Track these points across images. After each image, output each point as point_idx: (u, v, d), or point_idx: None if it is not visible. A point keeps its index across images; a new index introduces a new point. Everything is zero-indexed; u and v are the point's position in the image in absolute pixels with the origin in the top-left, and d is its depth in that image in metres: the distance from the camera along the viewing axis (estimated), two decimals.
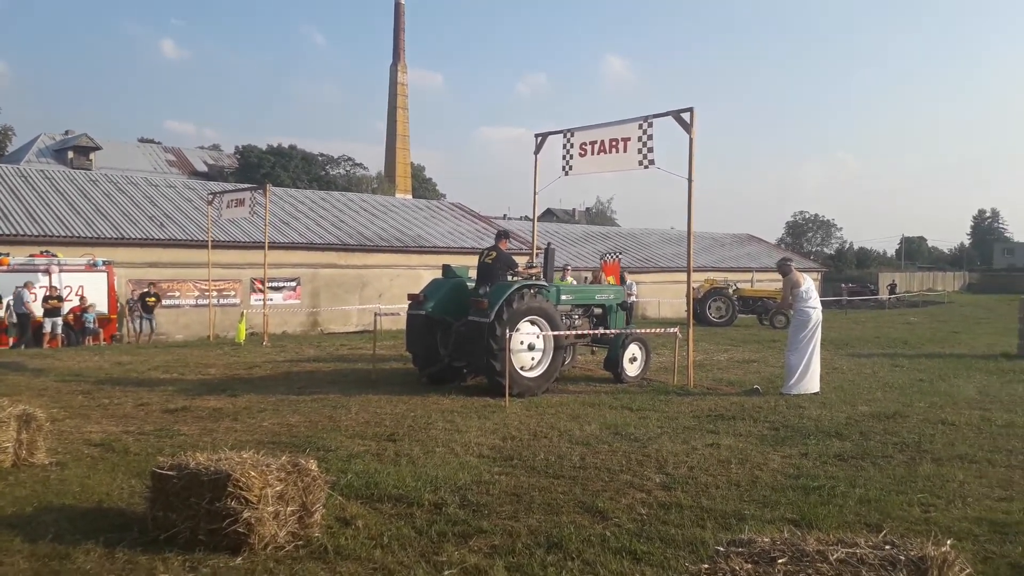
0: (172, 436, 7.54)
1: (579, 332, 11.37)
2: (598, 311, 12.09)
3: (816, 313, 10.53)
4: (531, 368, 10.30)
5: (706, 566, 3.24)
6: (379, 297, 24.49)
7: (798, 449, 7.13)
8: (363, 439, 7.43)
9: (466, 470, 6.23)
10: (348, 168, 66.81)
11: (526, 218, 49.08)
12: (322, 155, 65.58)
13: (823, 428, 8.02)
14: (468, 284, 10.94)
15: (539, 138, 13.39)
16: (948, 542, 3.20)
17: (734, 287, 26.32)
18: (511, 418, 8.50)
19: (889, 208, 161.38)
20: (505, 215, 63.03)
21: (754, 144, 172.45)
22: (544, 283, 10.79)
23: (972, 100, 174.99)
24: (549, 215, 79.08)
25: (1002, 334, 19.79)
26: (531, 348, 10.26)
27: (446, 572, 4.17)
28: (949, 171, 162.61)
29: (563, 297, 11.34)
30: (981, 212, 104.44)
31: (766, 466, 6.51)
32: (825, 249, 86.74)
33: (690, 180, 11.09)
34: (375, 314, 13.31)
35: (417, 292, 11.11)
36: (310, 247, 24.93)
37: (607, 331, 11.57)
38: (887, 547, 3.28)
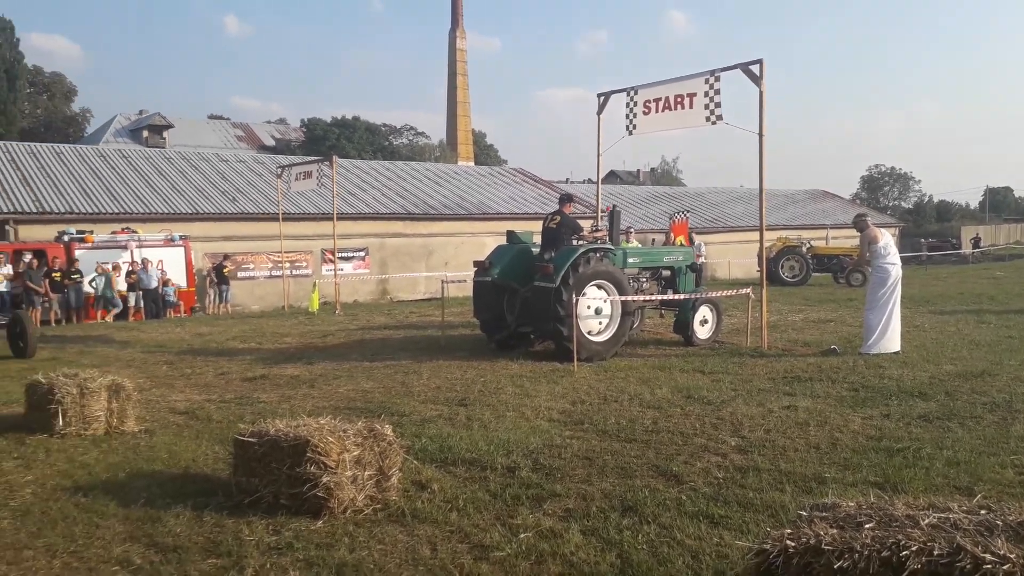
0: (252, 404, 7.78)
1: (647, 296, 11.20)
2: (667, 273, 11.92)
3: (896, 269, 10.12)
4: (599, 333, 10.24)
5: (789, 531, 3.15)
6: (445, 265, 24.68)
7: (879, 410, 6.90)
8: (435, 404, 7.52)
9: (537, 434, 6.24)
10: (411, 137, 67.21)
11: (589, 181, 48.54)
12: (385, 125, 66.12)
13: (905, 388, 7.73)
14: (533, 250, 10.89)
15: (601, 98, 13.12)
16: None
17: (808, 245, 25.54)
18: (580, 382, 8.47)
19: (972, 158, 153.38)
20: (568, 179, 62.43)
21: (826, 95, 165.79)
22: (610, 246, 10.69)
23: None
24: (612, 177, 78.02)
25: None
26: (598, 312, 10.17)
27: (522, 535, 4.19)
28: None
29: (630, 260, 11.21)
30: None
31: (846, 428, 6.32)
32: (903, 203, 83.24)
33: (761, 135, 10.72)
34: (442, 281, 13.41)
35: (482, 259, 11.11)
36: (377, 217, 25.25)
37: (675, 295, 11.36)
38: (982, 512, 3.13)
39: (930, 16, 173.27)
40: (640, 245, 16.33)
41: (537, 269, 10.04)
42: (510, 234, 11.56)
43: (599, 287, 10.17)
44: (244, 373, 9.61)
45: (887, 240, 10.38)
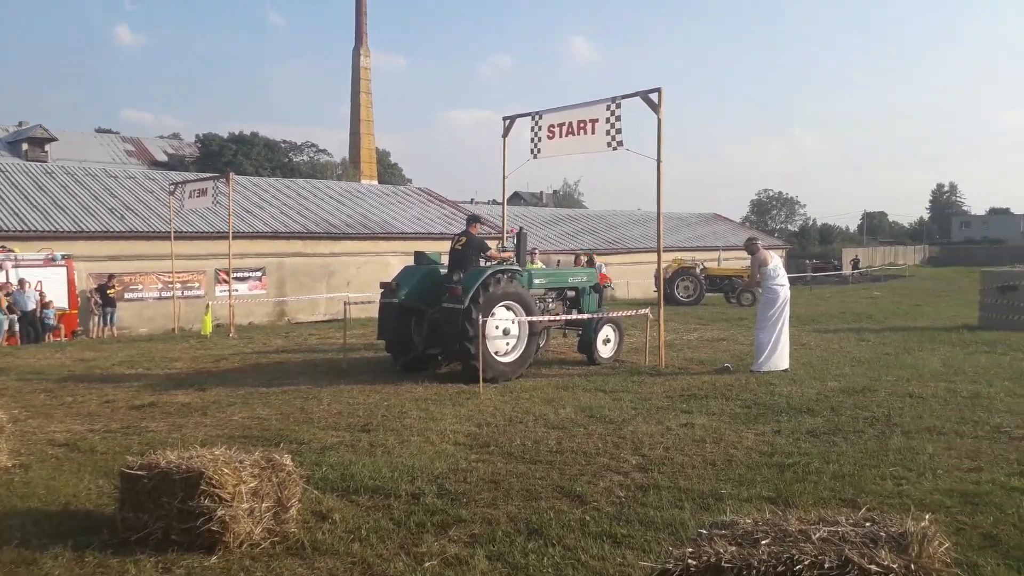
0: (140, 433, 7.37)
1: (553, 316, 11.35)
2: (571, 294, 12.10)
3: (784, 291, 10.64)
4: (506, 353, 10.28)
5: (690, 549, 3.23)
6: (347, 285, 24.23)
7: (771, 426, 7.20)
8: (336, 430, 7.33)
9: (442, 458, 6.18)
10: (312, 155, 65.94)
11: (494, 202, 48.90)
12: (285, 142, 64.64)
13: (794, 405, 8.10)
14: (441, 271, 10.83)
15: (507, 121, 13.28)
16: (927, 517, 3.23)
17: (701, 266, 26.52)
18: (486, 404, 8.46)
19: (851, 185, 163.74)
20: (473, 199, 62.62)
21: (719, 123, 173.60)
22: (518, 267, 10.76)
23: (928, 79, 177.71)
24: (516, 198, 78.86)
25: (963, 306, 20.24)
26: (506, 333, 10.24)
27: (427, 563, 4.13)
28: (908, 146, 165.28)
29: (536, 281, 11.31)
30: (939, 187, 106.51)
31: (740, 444, 6.55)
32: (789, 226, 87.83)
33: (659, 161, 11.08)
34: (344, 303, 13.14)
35: (389, 280, 10.96)
36: (275, 236, 24.56)
37: (580, 315, 11.56)
38: (868, 524, 3.30)
39: (811, 53, 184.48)
40: (544, 266, 16.52)
41: (446, 290, 9.99)
42: (418, 255, 11.47)
43: (507, 308, 10.21)
44: (131, 401, 9.10)
45: (776, 263, 10.88)
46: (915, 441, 6.49)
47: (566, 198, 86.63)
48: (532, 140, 12.35)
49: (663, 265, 12.72)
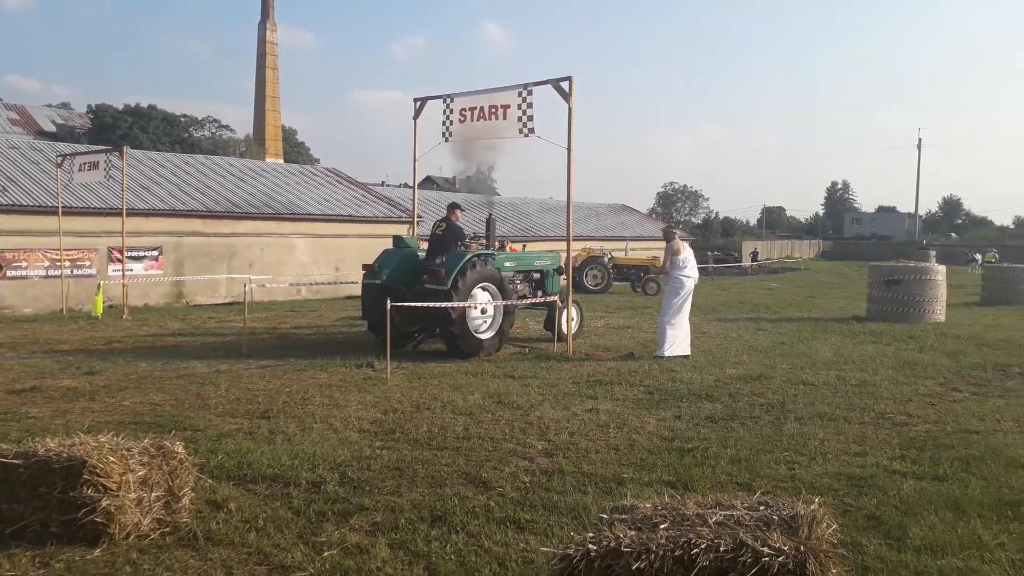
0: (19, 420, 6.90)
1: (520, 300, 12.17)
2: (537, 276, 12.91)
3: (690, 282, 10.93)
4: (484, 330, 11.06)
5: (591, 535, 3.25)
6: (249, 267, 23.40)
7: (672, 412, 7.38)
8: (234, 417, 7.07)
9: (346, 446, 6.04)
10: (214, 130, 63.33)
11: (406, 185, 48.26)
12: (185, 116, 61.72)
13: (695, 391, 8.34)
14: (419, 254, 11.49)
15: (418, 103, 13.08)
16: (816, 500, 3.34)
17: (609, 256, 26.97)
18: (393, 391, 8.33)
19: (752, 180, 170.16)
20: (384, 182, 61.61)
21: (629, 115, 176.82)
22: (492, 252, 11.55)
23: (817, 81, 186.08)
24: (429, 182, 78.10)
25: (853, 298, 21.33)
26: (483, 312, 11.09)
27: (326, 553, 4.02)
28: (808, 144, 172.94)
29: (506, 264, 12.10)
30: (834, 184, 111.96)
31: (643, 429, 6.69)
32: (693, 219, 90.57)
33: (569, 149, 11.16)
34: (244, 284, 12.68)
35: (371, 262, 11.43)
36: (173, 214, 23.44)
37: (543, 299, 12.29)
38: (761, 507, 3.40)
39: (723, 49, 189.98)
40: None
41: (429, 273, 10.66)
42: (396, 239, 12.04)
43: (484, 289, 11.01)
44: (11, 385, 8.52)
45: (688, 254, 11.11)
46: (807, 427, 6.78)
47: (479, 184, 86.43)
48: (444, 123, 12.21)
49: (572, 254, 12.86)
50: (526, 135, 11.25)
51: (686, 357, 10.52)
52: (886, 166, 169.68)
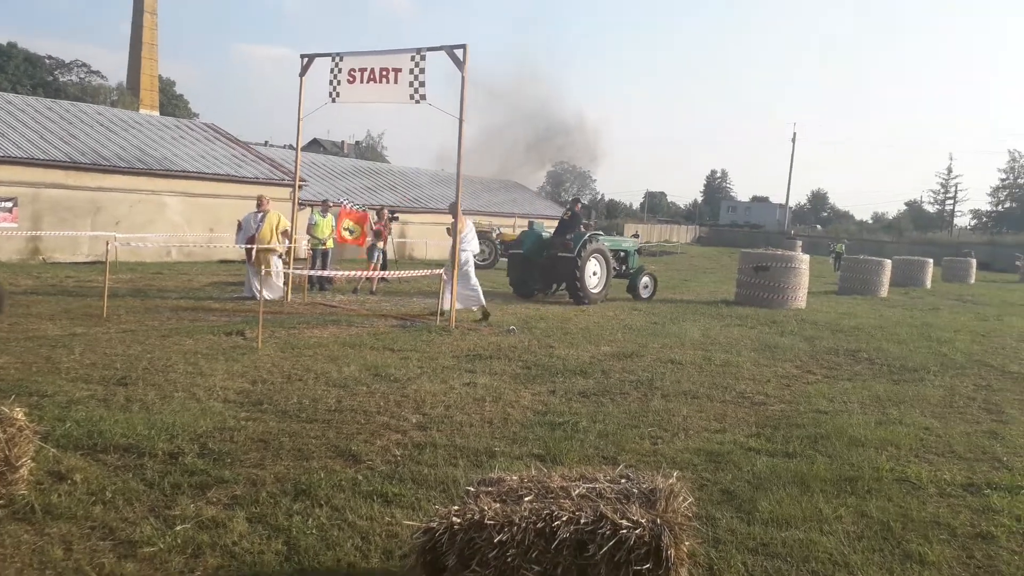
0: None
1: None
2: (623, 255, 17.28)
3: (467, 254, 12.95)
4: (595, 287, 15.38)
5: (456, 507, 3.24)
6: (116, 224, 21.93)
7: (547, 387, 7.50)
8: (88, 383, 6.62)
9: (208, 416, 5.78)
10: (82, 75, 58.91)
11: (290, 147, 46.57)
12: (50, 58, 57.17)
13: (570, 367, 8.50)
14: (544, 234, 15.83)
15: (305, 59, 12.57)
16: (675, 474, 3.46)
17: (498, 231, 27.08)
18: (263, 360, 8.04)
19: (637, 164, 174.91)
20: (267, 142, 59.16)
21: (522, 89, 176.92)
22: (601, 233, 17.01)
23: (699, 73, 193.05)
24: (316, 145, 75.81)
25: (723, 283, 22.36)
26: (594, 274, 15.38)
27: (179, 527, 3.83)
28: (687, 132, 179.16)
29: (607, 244, 16.40)
30: (713, 172, 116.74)
31: (517, 403, 6.76)
32: (581, 199, 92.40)
33: (461, 120, 11.03)
34: (107, 243, 11.86)
35: (515, 240, 16.93)
36: (31, 163, 21.63)
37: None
38: (623, 480, 3.49)
39: (604, 31, 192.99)
40: (332, 218, 16.15)
41: (560, 244, 15.16)
42: (531, 223, 17.03)
43: (595, 258, 15.38)
44: None
45: (470, 228, 13.14)
46: (672, 404, 7.05)
47: (369, 150, 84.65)
48: (331, 83, 11.79)
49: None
50: (417, 101, 11.04)
51: (483, 306, 12.57)
52: (763, 158, 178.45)
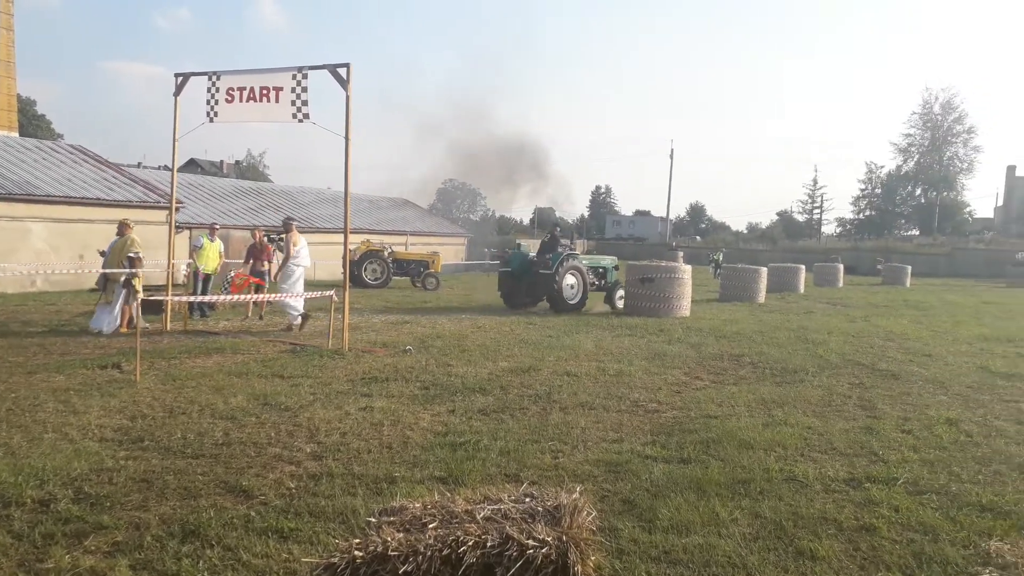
0: None
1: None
2: (602, 271, 19.34)
3: (300, 270, 13.54)
4: (572, 297, 17.79)
5: (357, 540, 3.13)
6: None
7: (446, 406, 7.42)
8: None
9: (83, 457, 5.38)
10: None
11: (165, 167, 44.48)
12: None
13: (469, 385, 8.46)
14: (530, 255, 18.34)
15: (180, 78, 12.05)
16: (578, 488, 3.48)
17: (389, 249, 26.77)
18: (143, 394, 7.58)
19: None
20: (140, 163, 56.34)
21: (410, 107, 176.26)
22: (576, 253, 18.61)
23: (582, 94, 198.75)
24: (193, 165, 72.88)
25: None
26: (571, 287, 17.81)
27: None
28: (576, 149, 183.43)
29: (584, 261, 18.64)
30: (598, 188, 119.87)
31: (417, 426, 6.65)
32: (471, 216, 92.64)
33: (347, 138, 10.85)
34: None
35: (504, 257, 19.05)
36: None
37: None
38: (527, 499, 3.47)
39: (506, 50, 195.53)
40: (222, 244, 15.53)
41: (541, 263, 17.63)
42: (518, 244, 20.15)
43: (571, 274, 17.82)
44: None
45: (303, 244, 13.61)
46: (571, 416, 7.12)
47: (250, 170, 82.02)
48: (209, 103, 11.35)
49: (351, 247, 12.63)
50: (300, 120, 10.78)
51: (303, 315, 13.13)
52: (644, 174, 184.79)
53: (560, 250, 17.93)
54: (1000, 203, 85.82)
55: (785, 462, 5.78)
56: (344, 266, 12.54)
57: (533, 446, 6.05)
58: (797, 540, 4.30)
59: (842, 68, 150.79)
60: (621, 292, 18.53)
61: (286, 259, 13.57)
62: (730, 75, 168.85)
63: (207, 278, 14.91)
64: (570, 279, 17.74)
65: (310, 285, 25.39)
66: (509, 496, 3.53)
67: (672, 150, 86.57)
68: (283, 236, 21.67)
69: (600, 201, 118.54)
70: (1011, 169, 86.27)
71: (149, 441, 5.91)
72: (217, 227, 16.35)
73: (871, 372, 10.08)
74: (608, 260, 20.27)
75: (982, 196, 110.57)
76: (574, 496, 3.40)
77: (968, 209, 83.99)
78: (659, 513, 4.59)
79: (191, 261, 15.07)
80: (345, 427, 6.53)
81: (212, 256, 15.00)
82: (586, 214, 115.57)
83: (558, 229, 19.33)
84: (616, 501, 4.85)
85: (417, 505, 3.46)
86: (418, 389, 8.23)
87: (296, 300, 12.98)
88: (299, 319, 13.13)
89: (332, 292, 11.53)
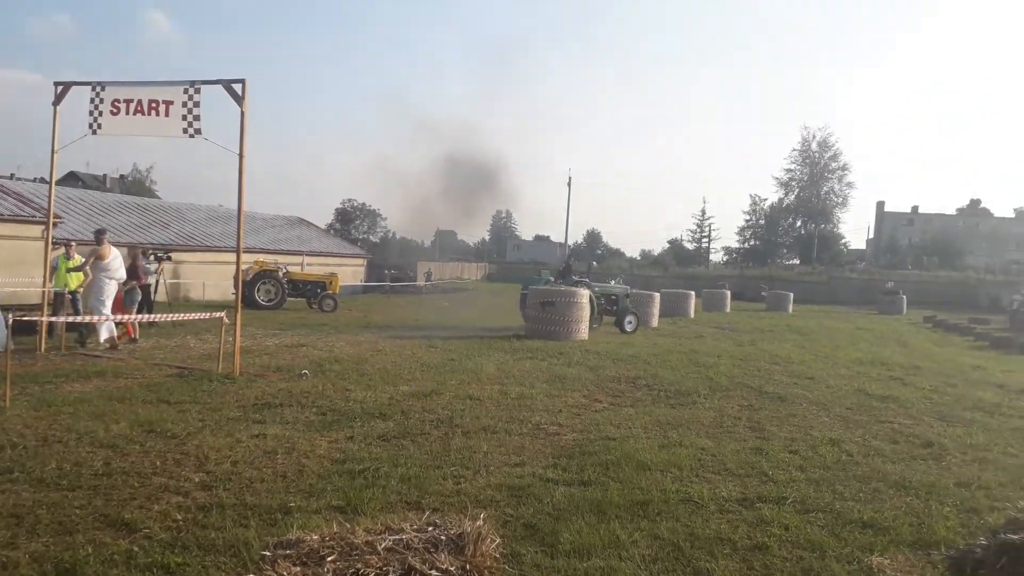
0: None
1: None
2: (613, 297, 21.14)
3: (114, 284, 13.24)
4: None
5: (250, 575, 2.99)
6: None
7: (344, 433, 7.23)
8: None
9: None
10: None
11: (43, 180, 41.84)
12: None
13: (368, 410, 8.27)
14: (549, 279, 20.55)
15: (59, 87, 11.38)
16: (481, 515, 3.44)
17: (284, 270, 26.02)
18: (12, 421, 7.02)
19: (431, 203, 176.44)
20: (13, 175, 52.77)
21: (309, 127, 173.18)
22: (588, 281, 20.60)
23: (480, 125, 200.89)
24: (73, 179, 68.82)
25: (515, 318, 23.02)
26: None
27: None
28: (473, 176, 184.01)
29: (596, 289, 20.27)
30: (499, 212, 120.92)
31: (313, 453, 6.44)
32: (371, 237, 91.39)
33: (241, 155, 10.51)
34: None
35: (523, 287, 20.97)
36: None
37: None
38: (430, 528, 3.41)
39: (389, 68, 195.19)
40: (81, 258, 14.36)
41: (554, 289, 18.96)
42: (539, 271, 22.28)
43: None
44: None
45: (115, 256, 13.29)
46: (473, 440, 7.07)
47: (136, 185, 78.23)
48: (92, 114, 10.75)
49: (244, 267, 12.17)
50: (191, 136, 10.37)
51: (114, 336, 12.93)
52: (545, 200, 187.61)
53: (575, 278, 20.39)
54: (871, 235, 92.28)
55: (681, 483, 5.92)
56: (236, 286, 12.07)
57: (435, 472, 5.96)
58: (694, 560, 4.40)
59: (729, 106, 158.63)
60: (630, 317, 20.43)
61: (89, 274, 13.18)
62: (626, 103, 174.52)
63: (74, 298, 13.73)
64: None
65: (200, 306, 24.38)
66: (411, 525, 3.46)
67: (570, 178, 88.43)
68: (158, 253, 20.73)
69: (501, 225, 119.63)
70: (880, 204, 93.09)
71: (19, 472, 5.47)
72: (73, 244, 15.02)
73: (759, 394, 10.52)
74: (620, 288, 21.98)
75: (856, 229, 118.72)
76: (477, 523, 3.37)
77: (843, 240, 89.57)
78: (561, 537, 4.60)
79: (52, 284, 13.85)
80: (236, 455, 6.25)
81: (72, 278, 13.76)
82: (487, 238, 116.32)
83: (572, 260, 22.45)
84: (518, 526, 4.83)
85: (315, 537, 3.34)
86: (314, 415, 7.98)
87: (106, 319, 12.73)
88: (108, 333, 13.00)
89: (223, 314, 11.07)
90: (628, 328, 20.21)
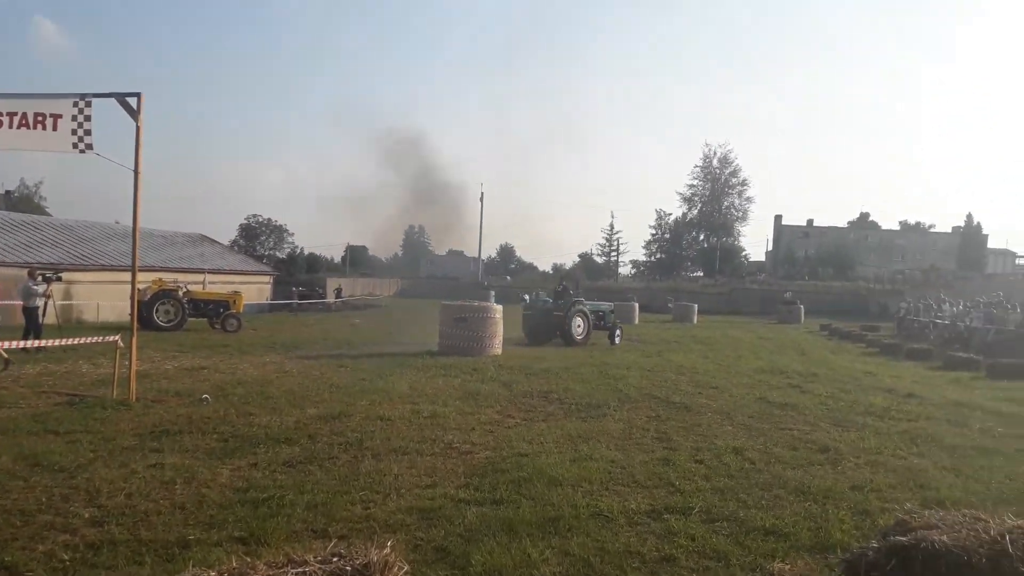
0: None
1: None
2: (601, 312, 23.32)
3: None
4: (579, 335, 21.60)
5: None
6: None
7: (248, 460, 6.97)
8: None
9: None
10: None
11: None
12: None
13: (273, 435, 8.01)
14: (548, 300, 22.86)
15: None
16: (389, 543, 3.36)
17: (185, 289, 25.02)
18: None
19: (339, 219, 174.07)
20: None
21: (209, 142, 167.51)
22: (583, 300, 22.82)
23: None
24: None
25: (428, 334, 22.82)
26: (579, 326, 21.72)
27: None
28: (387, 190, 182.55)
29: (587, 306, 22.63)
30: (412, 227, 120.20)
31: (214, 482, 6.18)
32: (278, 253, 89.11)
33: (136, 171, 10.06)
34: None
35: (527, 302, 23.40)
36: None
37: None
38: (335, 559, 3.30)
39: (298, 87, 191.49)
40: None
41: (555, 308, 21.80)
42: (537, 293, 25.47)
43: (579, 316, 21.80)
44: None
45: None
46: (383, 463, 6.94)
47: (23, 201, 73.82)
48: None
49: (142, 286, 11.60)
50: (82, 151, 9.84)
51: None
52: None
53: (571, 297, 22.56)
54: (770, 248, 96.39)
55: (591, 497, 5.97)
56: (132, 307, 11.50)
57: (343, 497, 5.81)
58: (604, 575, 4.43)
59: (634, 123, 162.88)
60: (618, 331, 23.12)
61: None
62: (535, 120, 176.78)
63: None
64: (578, 320, 21.92)
65: (94, 329, 23.13)
66: (315, 556, 3.34)
67: (482, 193, 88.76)
68: (46, 274, 19.65)
69: (415, 240, 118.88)
70: (779, 218, 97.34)
71: None
72: None
73: (666, 405, 10.76)
74: (606, 305, 24.70)
75: (755, 242, 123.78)
76: (384, 552, 3.28)
77: (744, 253, 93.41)
78: (472, 559, 4.55)
79: None
80: (131, 487, 5.93)
81: None
82: (400, 253, 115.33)
83: (563, 283, 24.12)
84: (429, 550, 4.76)
85: (212, 573, 3.18)
86: (216, 442, 7.67)
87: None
88: None
89: (118, 336, 10.53)
90: (616, 341, 22.52)
